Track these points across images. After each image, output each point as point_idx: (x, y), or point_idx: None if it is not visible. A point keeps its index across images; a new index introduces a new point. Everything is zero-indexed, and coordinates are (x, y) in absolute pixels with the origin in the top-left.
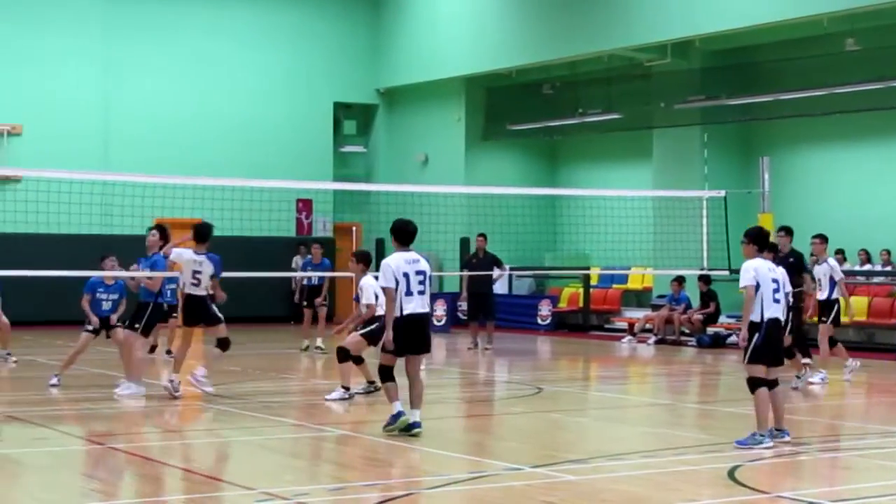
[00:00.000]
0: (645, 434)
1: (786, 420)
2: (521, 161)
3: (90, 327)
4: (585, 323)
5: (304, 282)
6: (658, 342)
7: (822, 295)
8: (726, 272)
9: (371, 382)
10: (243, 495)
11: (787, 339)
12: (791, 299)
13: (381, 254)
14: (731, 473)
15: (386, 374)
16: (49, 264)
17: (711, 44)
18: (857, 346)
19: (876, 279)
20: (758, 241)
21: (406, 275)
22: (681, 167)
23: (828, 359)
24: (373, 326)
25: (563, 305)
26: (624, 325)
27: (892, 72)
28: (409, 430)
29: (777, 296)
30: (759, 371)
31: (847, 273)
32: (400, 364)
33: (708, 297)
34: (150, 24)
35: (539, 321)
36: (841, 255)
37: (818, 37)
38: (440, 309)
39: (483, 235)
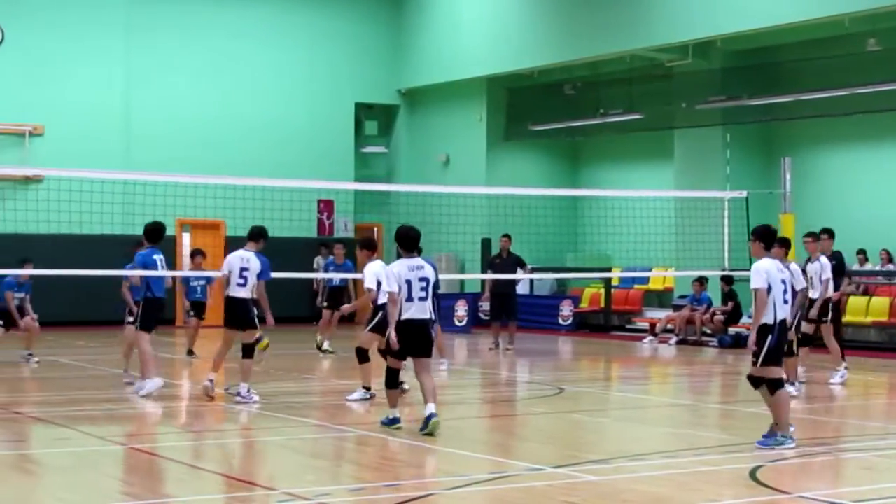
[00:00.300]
0: (666, 434)
1: (808, 420)
2: (543, 161)
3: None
4: (607, 323)
5: (326, 282)
6: (679, 342)
7: (813, 294)
8: (748, 272)
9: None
10: (265, 495)
11: (809, 328)
12: (803, 298)
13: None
14: (752, 474)
15: (391, 379)
16: (71, 264)
17: (733, 44)
18: (878, 347)
19: None
20: (765, 238)
21: (408, 281)
22: (702, 167)
23: (839, 358)
24: (377, 319)
25: (584, 306)
26: (645, 325)
27: None
28: (391, 424)
29: (786, 296)
30: (778, 372)
31: (868, 273)
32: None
33: (730, 297)
34: (172, 24)
35: (560, 321)
36: (863, 255)
37: (840, 37)
38: (461, 309)
39: (507, 236)
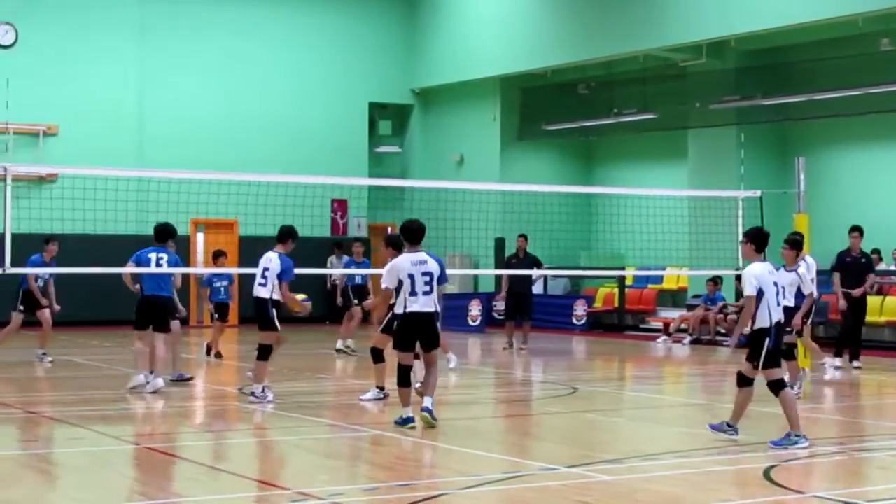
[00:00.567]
0: (680, 434)
1: (821, 420)
2: (557, 161)
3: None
4: (620, 323)
5: (347, 281)
6: (693, 342)
7: (788, 302)
8: None
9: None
10: (278, 495)
11: (792, 338)
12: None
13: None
14: (766, 473)
15: (403, 377)
16: (85, 263)
17: (746, 44)
18: (892, 346)
19: None
20: (756, 241)
21: (411, 276)
22: (716, 167)
23: (820, 353)
24: (389, 318)
25: (598, 305)
26: (659, 325)
27: None
28: (405, 424)
29: (779, 298)
30: (778, 373)
31: (882, 273)
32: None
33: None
34: (185, 24)
35: (574, 321)
36: (877, 254)
37: (853, 36)
38: (475, 309)
39: (524, 236)
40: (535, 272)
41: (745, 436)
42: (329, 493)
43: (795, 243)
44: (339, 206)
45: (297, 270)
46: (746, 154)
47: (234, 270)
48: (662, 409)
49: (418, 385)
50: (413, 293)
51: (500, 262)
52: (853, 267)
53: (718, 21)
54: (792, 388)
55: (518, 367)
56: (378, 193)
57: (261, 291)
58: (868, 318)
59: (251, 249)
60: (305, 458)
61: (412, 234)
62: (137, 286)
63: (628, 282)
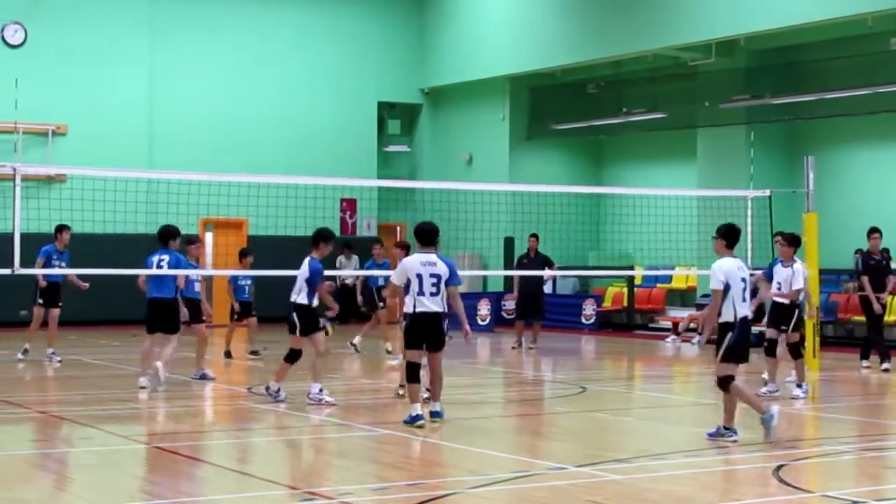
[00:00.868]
0: (689, 433)
1: (830, 419)
2: (566, 160)
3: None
4: (629, 322)
5: (371, 283)
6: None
7: (784, 300)
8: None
9: (402, 386)
10: (288, 494)
11: (795, 337)
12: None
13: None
14: (775, 472)
15: (412, 372)
16: (94, 264)
17: (756, 43)
18: None
19: None
20: (728, 237)
21: (419, 276)
22: (726, 166)
23: (780, 367)
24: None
25: (607, 305)
26: (668, 324)
27: None
28: (414, 422)
29: (745, 294)
30: (732, 369)
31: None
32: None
33: (752, 296)
34: (195, 24)
35: (583, 320)
36: (886, 253)
37: (863, 36)
38: (484, 308)
39: (535, 236)
40: (546, 272)
41: (754, 435)
42: (338, 493)
43: (793, 240)
44: (349, 205)
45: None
46: (756, 153)
47: (238, 271)
48: (671, 409)
49: (426, 395)
50: (421, 292)
51: (510, 262)
52: (878, 269)
53: (728, 20)
54: (800, 386)
55: (527, 366)
56: (387, 193)
57: (292, 296)
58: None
59: (261, 249)
60: (315, 458)
61: (425, 236)
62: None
63: (637, 281)
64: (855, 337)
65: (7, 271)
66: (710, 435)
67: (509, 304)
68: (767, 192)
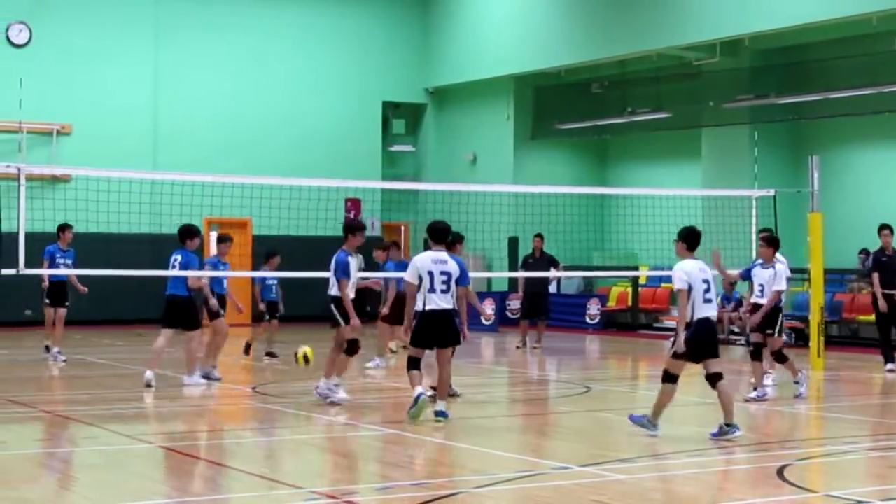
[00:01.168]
0: (694, 433)
1: (834, 419)
2: (570, 160)
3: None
4: (634, 322)
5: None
6: None
7: (764, 300)
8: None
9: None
10: (292, 494)
11: (779, 342)
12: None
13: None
14: (780, 472)
15: (412, 364)
16: (98, 264)
17: (760, 42)
18: None
19: None
20: (688, 240)
21: (430, 273)
22: (730, 166)
23: (770, 370)
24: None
25: (611, 304)
26: (673, 324)
27: None
28: (416, 403)
29: (708, 296)
30: (679, 367)
31: None
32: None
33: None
34: (200, 24)
35: (587, 320)
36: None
37: (867, 35)
38: (489, 308)
39: (540, 236)
40: (552, 273)
41: (758, 435)
42: (342, 492)
43: (772, 240)
44: (353, 205)
45: (310, 274)
46: (760, 153)
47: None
48: (676, 409)
49: (430, 392)
50: (431, 290)
51: (514, 262)
52: (890, 266)
53: (732, 20)
54: (755, 388)
55: (532, 366)
56: (392, 193)
57: (329, 290)
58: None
59: (265, 250)
60: (319, 457)
61: (437, 234)
62: None
63: (641, 281)
64: (860, 337)
65: (12, 271)
66: (714, 435)
67: (514, 303)
68: (772, 192)
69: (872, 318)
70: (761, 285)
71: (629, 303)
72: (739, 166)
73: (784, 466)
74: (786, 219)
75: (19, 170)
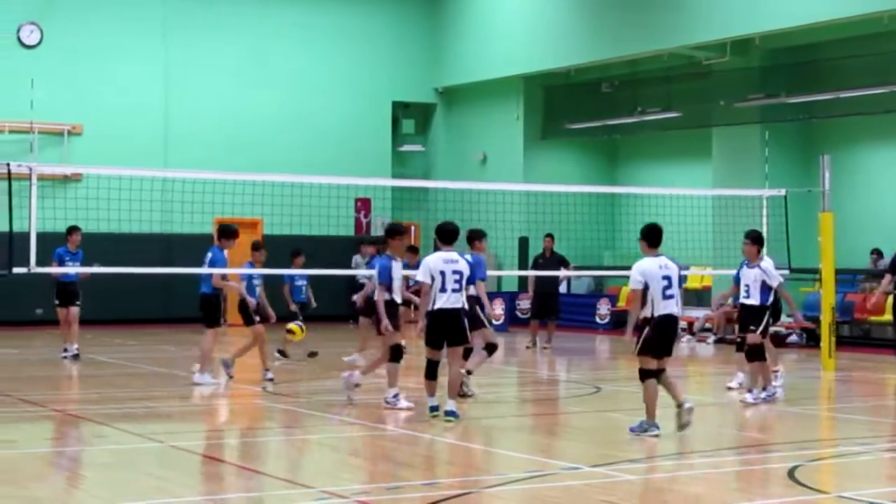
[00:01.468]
0: (704, 434)
1: (846, 420)
2: (580, 160)
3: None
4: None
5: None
6: (717, 341)
7: (750, 300)
8: (787, 271)
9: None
10: (303, 493)
11: (758, 338)
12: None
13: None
14: (791, 473)
15: (430, 369)
16: (109, 263)
17: (771, 42)
18: None
19: None
20: (649, 238)
21: (442, 273)
22: (741, 166)
23: (776, 361)
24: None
25: (621, 304)
26: (683, 324)
27: None
28: (431, 413)
29: (668, 292)
30: (651, 363)
31: None
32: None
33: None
34: (210, 24)
35: (597, 320)
36: None
37: (878, 34)
38: (498, 308)
39: (550, 236)
40: (562, 273)
41: (768, 436)
42: (353, 492)
43: (757, 239)
44: (363, 205)
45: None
46: (771, 152)
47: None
48: None
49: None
50: (443, 289)
51: (524, 262)
52: None
53: (743, 19)
54: (764, 389)
55: (542, 366)
56: (402, 193)
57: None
58: (885, 317)
59: (275, 249)
60: (330, 457)
61: (446, 235)
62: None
63: None
64: (872, 337)
65: (23, 270)
66: (632, 429)
67: (524, 303)
68: (783, 192)
69: (883, 318)
70: (747, 285)
71: None
72: (750, 166)
73: (795, 467)
74: (797, 218)
75: (31, 169)
